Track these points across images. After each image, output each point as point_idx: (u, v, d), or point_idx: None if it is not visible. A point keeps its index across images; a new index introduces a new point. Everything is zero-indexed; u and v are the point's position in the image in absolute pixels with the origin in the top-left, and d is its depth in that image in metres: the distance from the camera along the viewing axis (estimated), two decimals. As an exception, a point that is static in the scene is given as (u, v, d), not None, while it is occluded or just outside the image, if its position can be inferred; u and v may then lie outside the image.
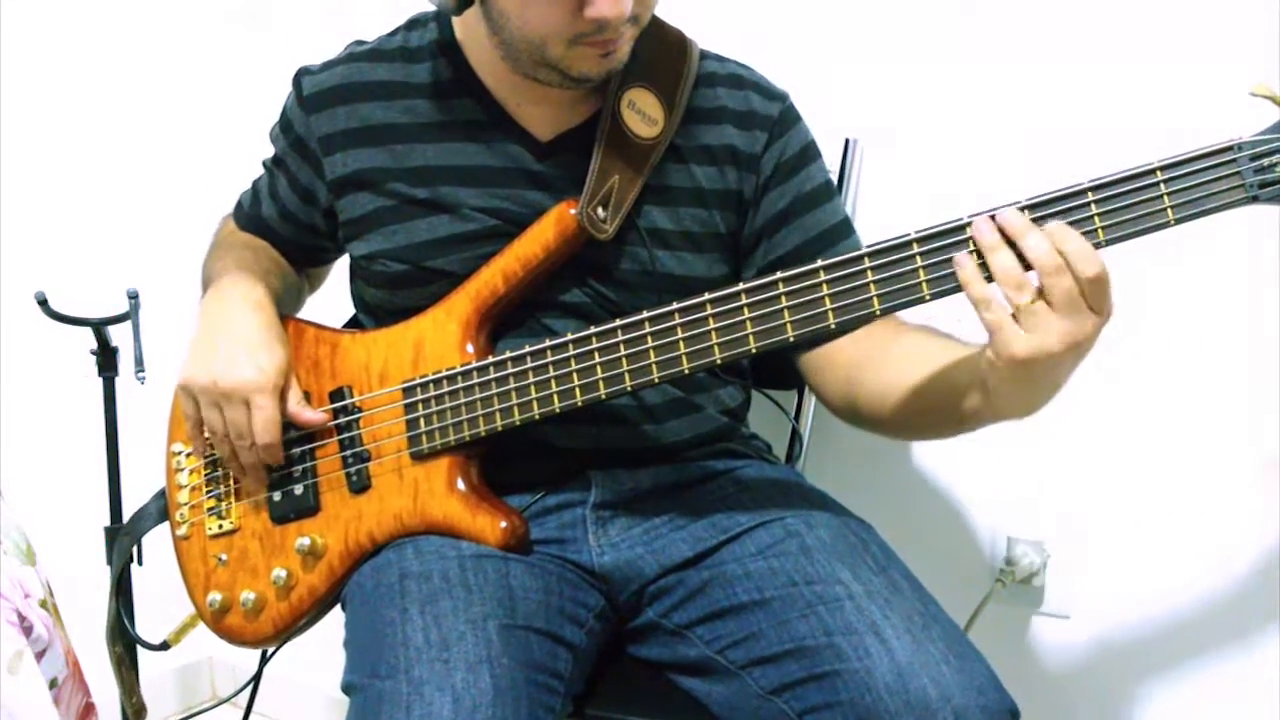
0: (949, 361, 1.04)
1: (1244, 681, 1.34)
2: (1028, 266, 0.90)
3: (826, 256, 1.17)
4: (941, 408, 1.05)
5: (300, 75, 1.25)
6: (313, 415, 1.19)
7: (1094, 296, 0.90)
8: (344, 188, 1.22)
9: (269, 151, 1.33)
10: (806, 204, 1.21)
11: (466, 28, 1.20)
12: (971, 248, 0.94)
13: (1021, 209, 0.92)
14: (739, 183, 1.20)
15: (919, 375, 1.06)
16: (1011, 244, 0.91)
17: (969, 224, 0.94)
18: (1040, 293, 0.90)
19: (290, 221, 1.32)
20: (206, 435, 1.20)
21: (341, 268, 1.35)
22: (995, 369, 0.94)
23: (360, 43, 1.27)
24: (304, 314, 1.32)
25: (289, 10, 1.99)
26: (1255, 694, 1.33)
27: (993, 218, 0.92)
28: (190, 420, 1.20)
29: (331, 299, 1.40)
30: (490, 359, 1.14)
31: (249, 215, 1.36)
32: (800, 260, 1.17)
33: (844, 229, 1.22)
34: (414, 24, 1.26)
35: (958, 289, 0.95)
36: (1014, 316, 0.91)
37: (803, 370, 1.20)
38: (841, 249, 1.18)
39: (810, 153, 1.23)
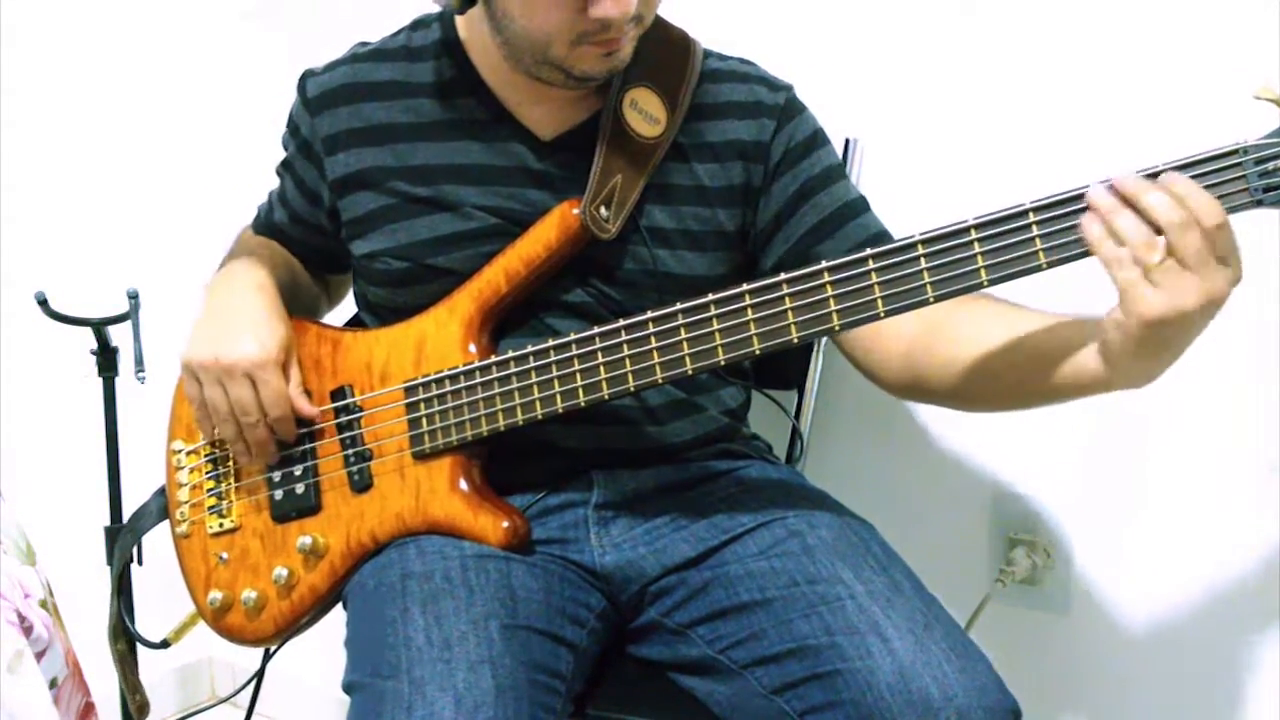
0: (1046, 330, 1.00)
1: (1245, 681, 1.34)
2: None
3: (846, 231, 1.17)
4: (1037, 378, 1.01)
5: (305, 77, 1.26)
6: (309, 408, 1.19)
7: (1221, 246, 0.87)
8: (345, 187, 1.22)
9: (271, 151, 1.33)
10: (820, 182, 1.20)
11: (470, 27, 1.20)
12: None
13: (1025, 211, 0.92)
14: (745, 175, 1.20)
15: (1009, 345, 1.03)
16: (1129, 206, 0.88)
17: (1085, 192, 0.90)
18: (1169, 251, 0.87)
19: (300, 225, 1.32)
20: (213, 420, 1.19)
21: (343, 268, 1.36)
22: (1124, 333, 0.91)
23: (364, 44, 1.27)
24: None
25: (293, 11, 1.99)
26: (1256, 693, 1.33)
27: (1106, 183, 0.90)
28: (194, 402, 1.20)
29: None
30: (492, 358, 1.14)
31: (264, 223, 1.37)
32: (822, 237, 1.17)
33: (861, 204, 1.21)
34: (418, 25, 1.26)
35: (962, 290, 0.95)
36: (1145, 276, 0.88)
37: (847, 346, 1.17)
38: (861, 224, 1.18)
39: (819, 138, 1.23)
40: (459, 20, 1.22)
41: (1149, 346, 0.91)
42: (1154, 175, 0.89)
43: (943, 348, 1.08)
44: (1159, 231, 0.87)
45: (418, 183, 1.19)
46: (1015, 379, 1.03)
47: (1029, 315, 1.04)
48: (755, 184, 1.20)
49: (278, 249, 1.34)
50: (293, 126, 1.28)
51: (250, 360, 1.15)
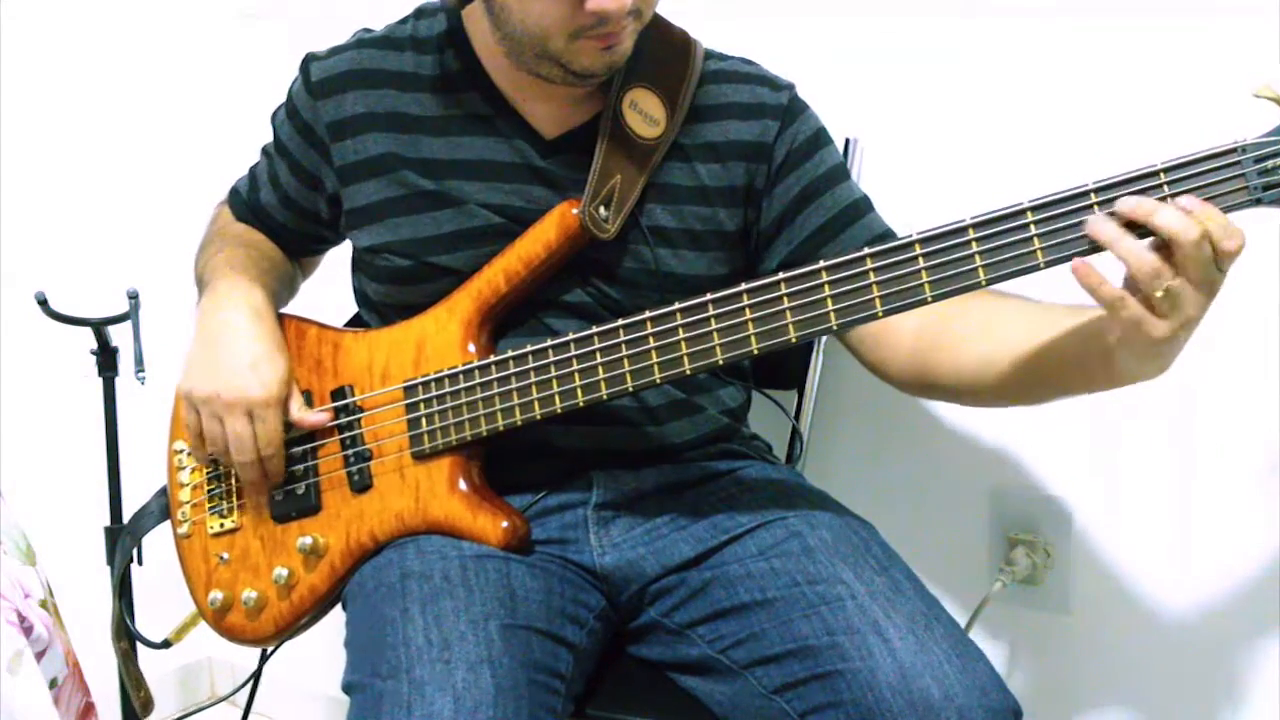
0: (1056, 325, 1.00)
1: (1245, 681, 1.34)
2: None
3: (852, 233, 1.17)
4: (1049, 376, 1.01)
5: (308, 61, 1.25)
6: (314, 417, 1.19)
7: (1226, 263, 0.87)
8: (353, 174, 1.21)
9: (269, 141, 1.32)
10: (824, 183, 1.20)
11: (473, 21, 1.20)
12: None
13: (1023, 210, 0.92)
14: (747, 176, 1.20)
15: (1017, 340, 1.02)
16: (1131, 227, 0.88)
17: (1084, 220, 0.90)
18: (1176, 270, 0.86)
19: (291, 209, 1.31)
20: (210, 449, 1.20)
21: (343, 262, 1.35)
22: (1131, 350, 0.91)
23: (369, 30, 1.26)
24: (304, 308, 1.31)
25: (293, 10, 1.99)
26: (1256, 693, 1.33)
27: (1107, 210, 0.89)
28: (191, 430, 1.20)
29: (334, 296, 1.40)
30: (491, 358, 1.14)
31: (246, 202, 1.35)
32: (826, 239, 1.17)
33: (865, 205, 1.21)
34: (422, 13, 1.25)
35: (960, 290, 0.95)
36: (1149, 307, 0.88)
37: (853, 342, 1.17)
38: (865, 225, 1.18)
39: (822, 138, 1.23)
40: (464, 12, 1.21)
41: (1158, 355, 0.92)
42: (1151, 174, 0.89)
43: (949, 342, 1.08)
44: (1162, 245, 0.87)
45: (424, 176, 1.19)
46: (1023, 373, 1.03)
47: (1037, 309, 1.03)
48: (758, 185, 1.20)
49: (260, 244, 1.32)
50: (291, 108, 1.26)
51: (253, 399, 1.15)
